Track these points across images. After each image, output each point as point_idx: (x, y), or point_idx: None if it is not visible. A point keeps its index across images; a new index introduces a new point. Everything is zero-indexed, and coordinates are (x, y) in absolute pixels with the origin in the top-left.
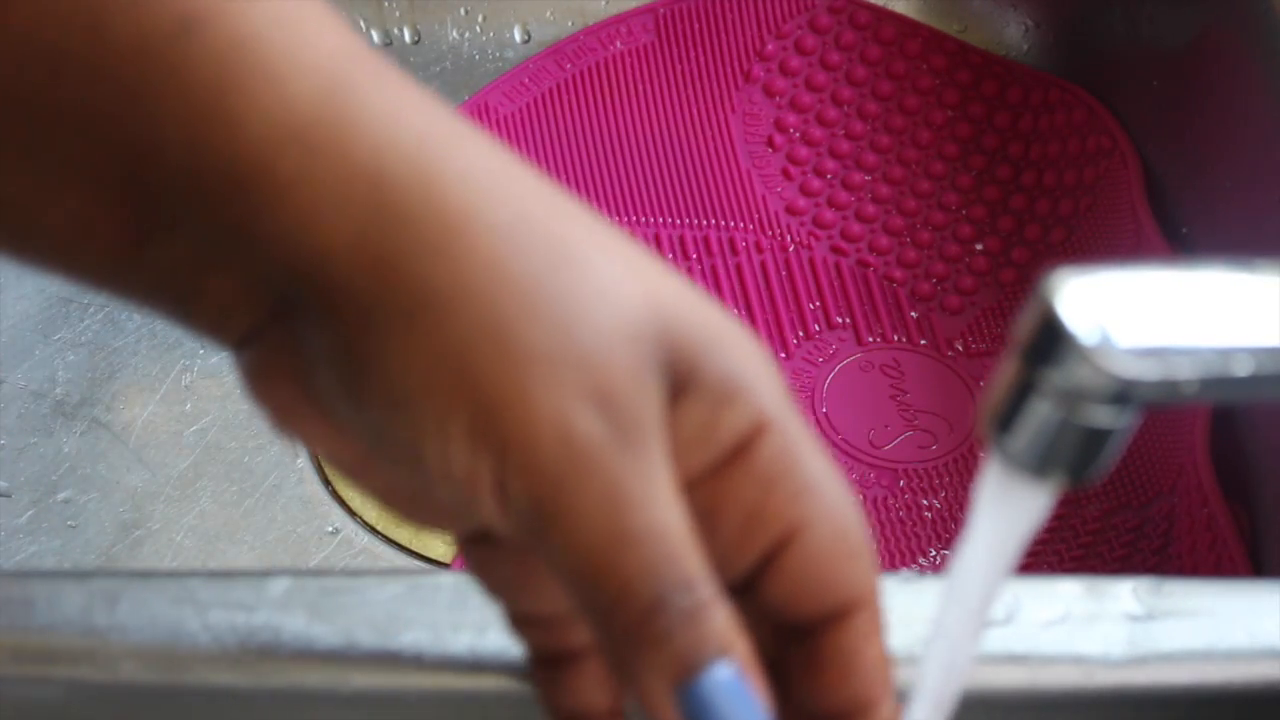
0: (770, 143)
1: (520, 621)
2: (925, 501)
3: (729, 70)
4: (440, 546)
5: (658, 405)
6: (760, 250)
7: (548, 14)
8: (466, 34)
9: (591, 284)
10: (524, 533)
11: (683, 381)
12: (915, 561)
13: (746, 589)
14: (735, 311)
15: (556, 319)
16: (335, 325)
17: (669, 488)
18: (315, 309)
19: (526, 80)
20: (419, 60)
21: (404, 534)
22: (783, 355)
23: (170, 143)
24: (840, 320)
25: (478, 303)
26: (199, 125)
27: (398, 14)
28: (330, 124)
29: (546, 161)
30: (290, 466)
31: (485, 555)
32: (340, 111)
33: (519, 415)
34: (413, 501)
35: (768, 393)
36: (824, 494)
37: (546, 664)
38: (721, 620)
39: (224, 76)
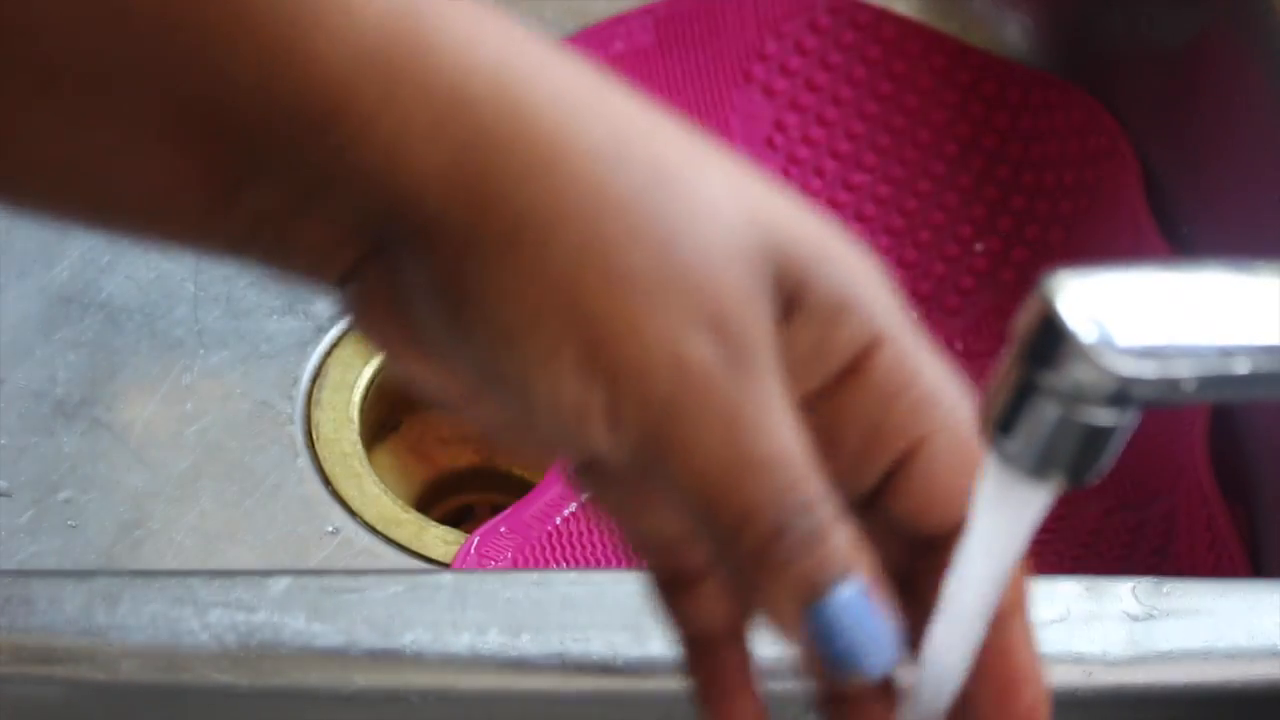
0: (770, 143)
1: (637, 544)
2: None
3: (729, 70)
4: (440, 546)
5: (769, 326)
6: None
7: (548, 14)
8: None
9: (695, 204)
10: (639, 462)
11: (792, 300)
12: None
13: (872, 504)
14: None
15: (661, 241)
16: (434, 258)
17: (786, 410)
18: (412, 242)
19: None
20: None
21: (404, 534)
22: None
23: (245, 86)
24: None
25: (579, 228)
26: (272, 64)
27: None
28: (408, 51)
29: None
30: (290, 466)
31: (597, 482)
32: (417, 36)
33: (629, 344)
34: (521, 432)
35: (880, 306)
36: (943, 404)
37: (666, 585)
38: (844, 541)
39: (294, 11)
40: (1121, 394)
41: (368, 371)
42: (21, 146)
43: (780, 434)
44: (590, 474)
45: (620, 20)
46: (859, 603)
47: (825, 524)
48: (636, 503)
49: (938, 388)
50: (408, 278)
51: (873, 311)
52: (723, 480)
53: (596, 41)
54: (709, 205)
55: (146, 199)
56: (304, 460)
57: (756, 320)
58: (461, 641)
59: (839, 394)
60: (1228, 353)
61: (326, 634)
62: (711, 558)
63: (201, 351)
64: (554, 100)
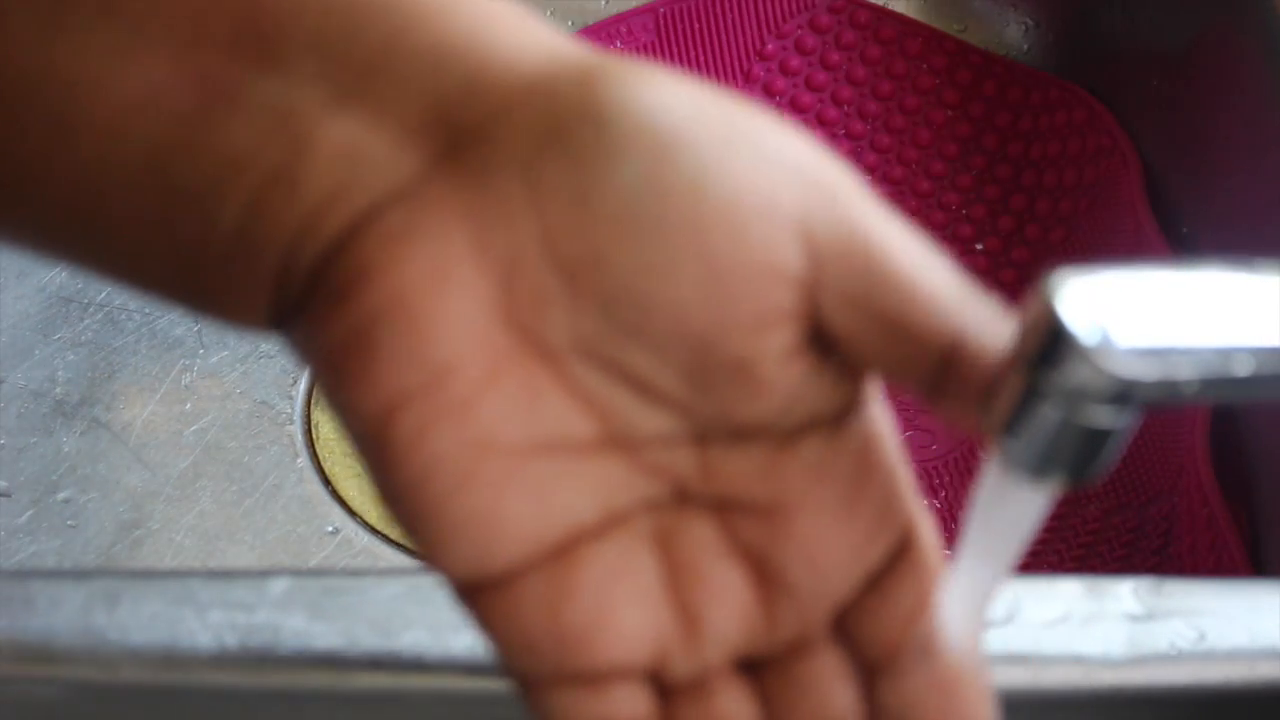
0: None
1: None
2: (925, 501)
3: (729, 70)
4: None
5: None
6: None
7: (547, 14)
8: None
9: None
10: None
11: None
12: None
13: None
14: None
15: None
16: (540, 131)
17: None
18: (508, 114)
19: None
20: None
21: (404, 533)
22: None
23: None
24: None
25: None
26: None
27: None
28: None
29: None
30: (290, 466)
31: None
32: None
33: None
34: None
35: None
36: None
37: None
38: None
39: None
40: (1122, 395)
41: None
42: (44, 196)
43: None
44: None
45: (620, 20)
46: None
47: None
48: None
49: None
50: (505, 160)
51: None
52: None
53: (596, 41)
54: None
55: (128, 99)
56: (304, 460)
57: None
58: (461, 641)
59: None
60: (1228, 353)
61: (326, 634)
62: None
63: (201, 351)
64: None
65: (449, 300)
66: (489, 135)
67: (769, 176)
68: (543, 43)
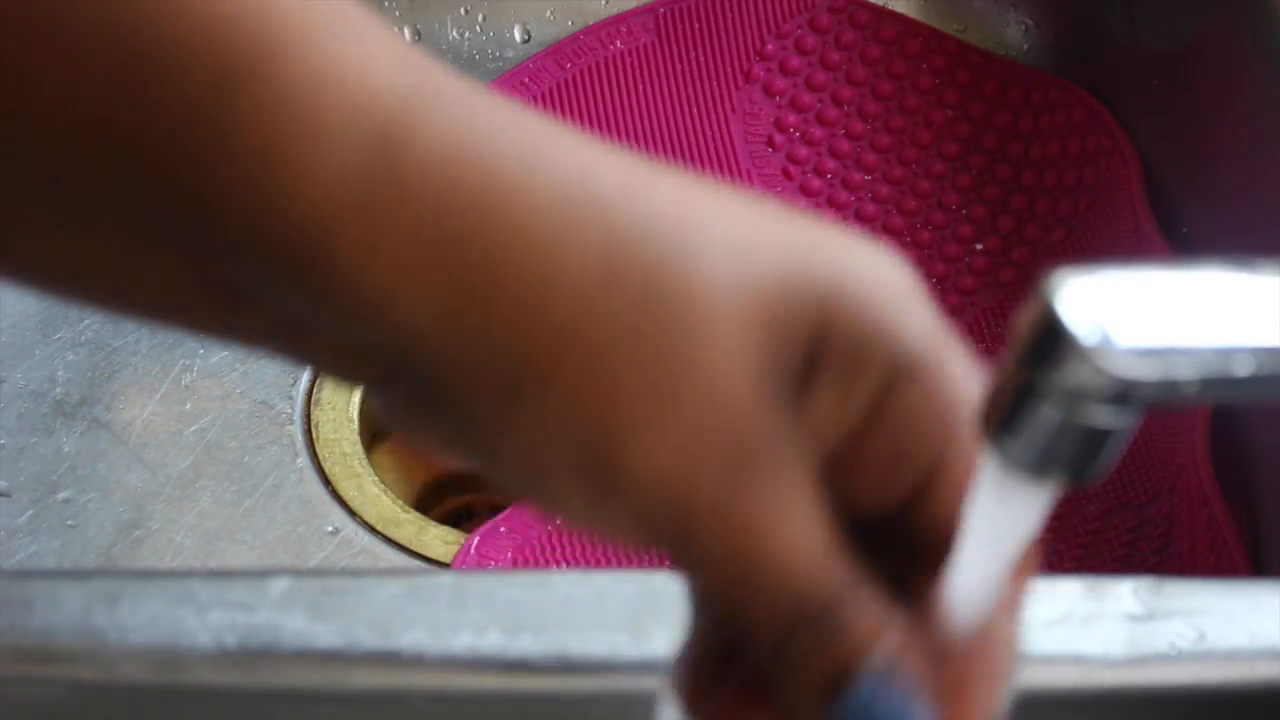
0: (770, 143)
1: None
2: None
3: (729, 70)
4: (440, 546)
5: (779, 415)
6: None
7: (548, 14)
8: (466, 34)
9: (691, 311)
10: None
11: (809, 364)
12: None
13: (897, 519)
14: None
15: (660, 359)
16: (444, 395)
17: (800, 505)
18: (423, 377)
19: (526, 80)
20: None
21: (404, 534)
22: None
23: (232, 212)
24: None
25: (577, 366)
26: (254, 197)
27: (397, 13)
28: (387, 183)
29: None
30: (290, 466)
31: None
32: (397, 166)
33: (639, 467)
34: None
35: (895, 339)
36: (962, 421)
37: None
38: (864, 632)
39: (270, 142)
40: (1122, 395)
41: None
42: (29, 244)
43: (792, 537)
44: None
45: (620, 20)
46: (883, 695)
47: (843, 620)
48: None
49: (956, 407)
50: (426, 402)
51: (889, 348)
52: (734, 592)
53: (596, 41)
54: (707, 307)
55: (154, 299)
56: (304, 460)
57: (764, 415)
58: (461, 641)
59: (862, 430)
60: (1228, 353)
61: (326, 634)
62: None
63: (201, 351)
64: (538, 219)
65: None
66: None
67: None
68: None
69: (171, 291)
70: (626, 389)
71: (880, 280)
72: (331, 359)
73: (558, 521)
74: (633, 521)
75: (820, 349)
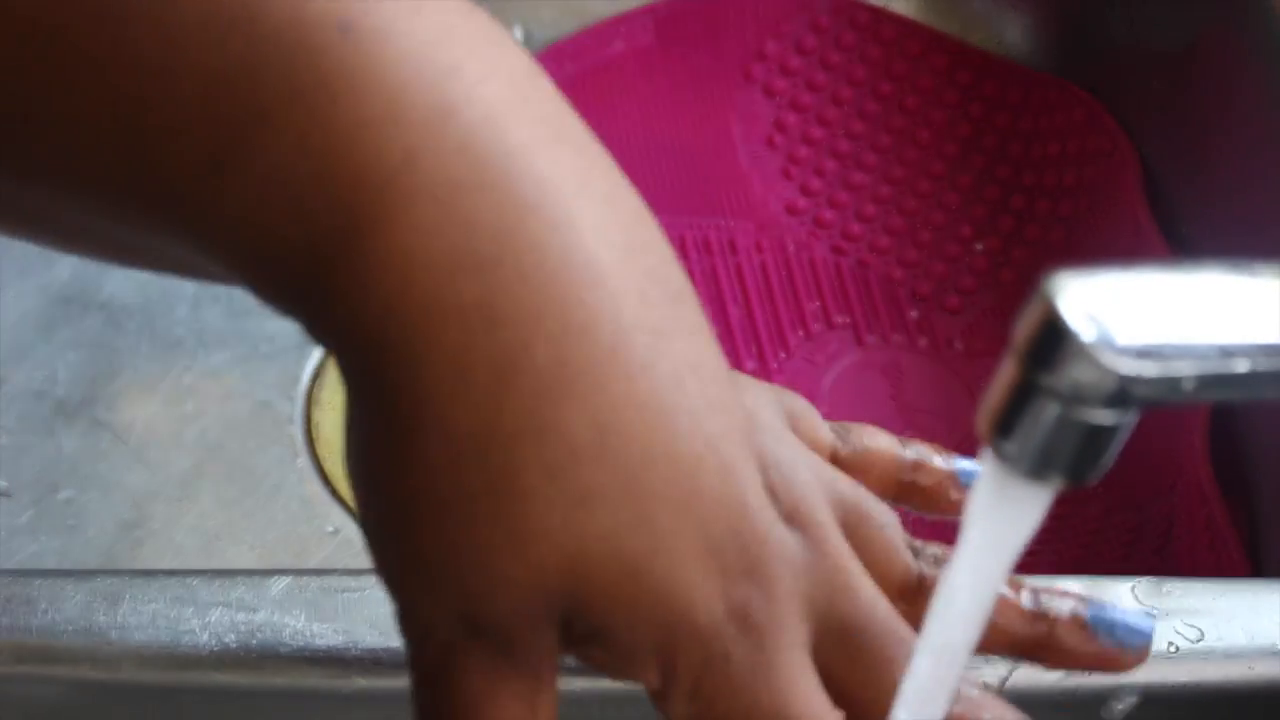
0: (770, 143)
1: None
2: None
3: (729, 70)
4: None
5: (533, 640)
6: (760, 250)
7: (548, 14)
8: None
9: (517, 530)
10: None
11: (594, 627)
12: None
13: None
14: (735, 311)
15: (459, 551)
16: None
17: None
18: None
19: None
20: None
21: None
22: (783, 355)
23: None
24: (840, 320)
25: (393, 519)
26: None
27: None
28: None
29: None
30: (290, 466)
31: None
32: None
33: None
34: None
35: (688, 678)
36: None
37: None
38: None
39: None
40: (1121, 394)
41: None
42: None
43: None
44: None
45: (620, 20)
46: None
47: None
48: None
49: None
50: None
51: (675, 678)
52: None
53: (596, 41)
54: (532, 537)
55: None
56: (304, 460)
57: (518, 638)
58: None
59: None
60: (1227, 352)
61: (326, 634)
62: None
63: (202, 351)
64: (437, 379)
65: None
66: None
67: None
68: None
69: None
70: (428, 548)
71: (681, 619)
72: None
73: None
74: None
75: (611, 625)
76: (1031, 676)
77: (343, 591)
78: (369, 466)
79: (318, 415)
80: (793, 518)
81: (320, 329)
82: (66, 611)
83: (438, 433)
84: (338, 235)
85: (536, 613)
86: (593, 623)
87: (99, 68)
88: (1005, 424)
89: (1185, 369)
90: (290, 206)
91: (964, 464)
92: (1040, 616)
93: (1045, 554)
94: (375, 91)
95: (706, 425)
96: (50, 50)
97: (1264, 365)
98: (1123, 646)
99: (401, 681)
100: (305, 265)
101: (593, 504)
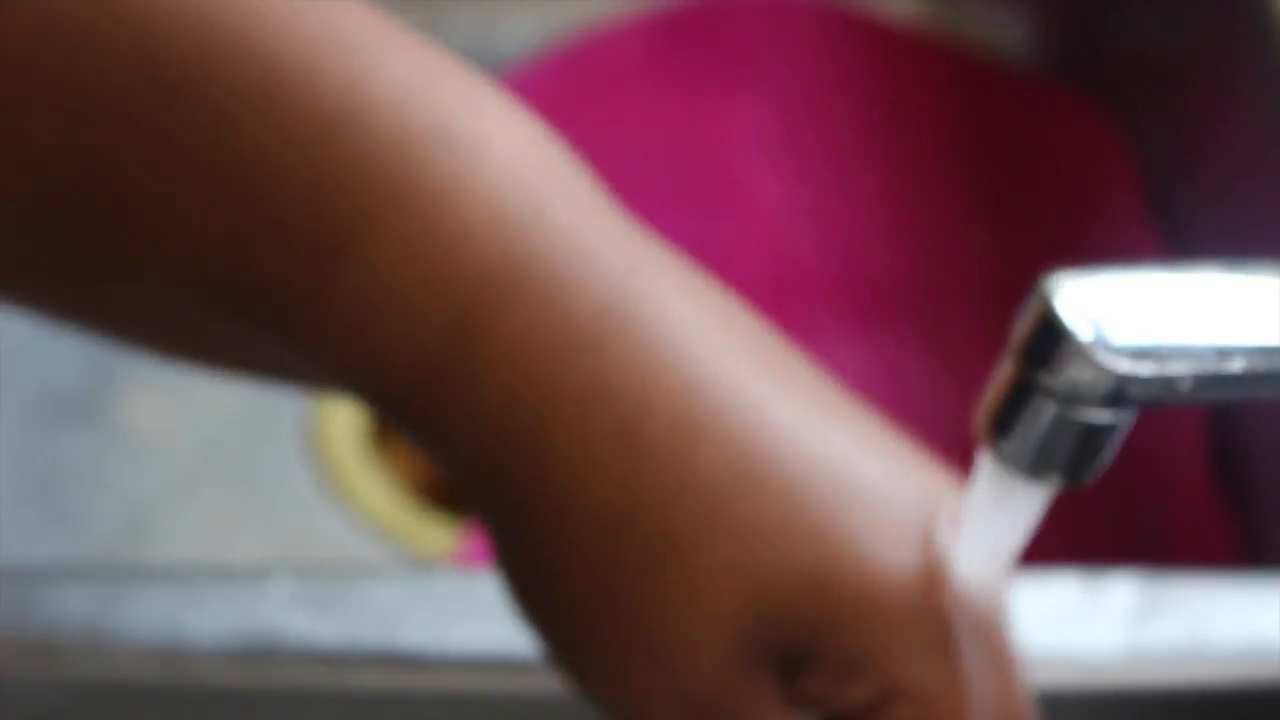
0: (770, 145)
1: None
2: None
3: (729, 71)
4: (442, 545)
5: (742, 680)
6: (758, 253)
7: (547, 15)
8: (463, 37)
9: (688, 586)
10: None
11: (802, 655)
12: None
13: None
14: None
15: (645, 623)
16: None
17: None
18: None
19: (523, 85)
20: None
21: (405, 533)
22: None
23: (323, 356)
24: (839, 322)
25: (571, 601)
26: (343, 349)
27: (396, 15)
28: (459, 365)
29: None
30: (291, 466)
31: None
32: (467, 352)
33: (601, 694)
34: None
35: (902, 661)
36: None
37: None
38: None
39: (360, 310)
40: (1118, 393)
41: None
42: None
43: None
44: None
45: (621, 23)
46: None
47: None
48: None
49: None
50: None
51: (891, 668)
52: None
53: (596, 43)
54: (703, 586)
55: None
56: (305, 460)
57: (729, 681)
58: (461, 641)
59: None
60: (1224, 352)
61: (326, 634)
62: None
63: None
64: (567, 459)
65: None
66: None
67: None
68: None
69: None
70: (605, 636)
71: (882, 617)
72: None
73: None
74: None
75: (812, 651)
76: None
77: (344, 591)
78: (527, 580)
79: (318, 415)
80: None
81: (432, 434)
82: (67, 611)
83: (580, 513)
84: (444, 333)
85: (743, 661)
86: (806, 646)
87: (207, 167)
88: (1003, 424)
89: (1182, 369)
90: (394, 305)
91: None
92: None
93: (1043, 553)
94: (474, 197)
95: (847, 441)
96: (159, 150)
97: (1260, 365)
98: None
99: (403, 681)
100: (411, 363)
101: (757, 537)
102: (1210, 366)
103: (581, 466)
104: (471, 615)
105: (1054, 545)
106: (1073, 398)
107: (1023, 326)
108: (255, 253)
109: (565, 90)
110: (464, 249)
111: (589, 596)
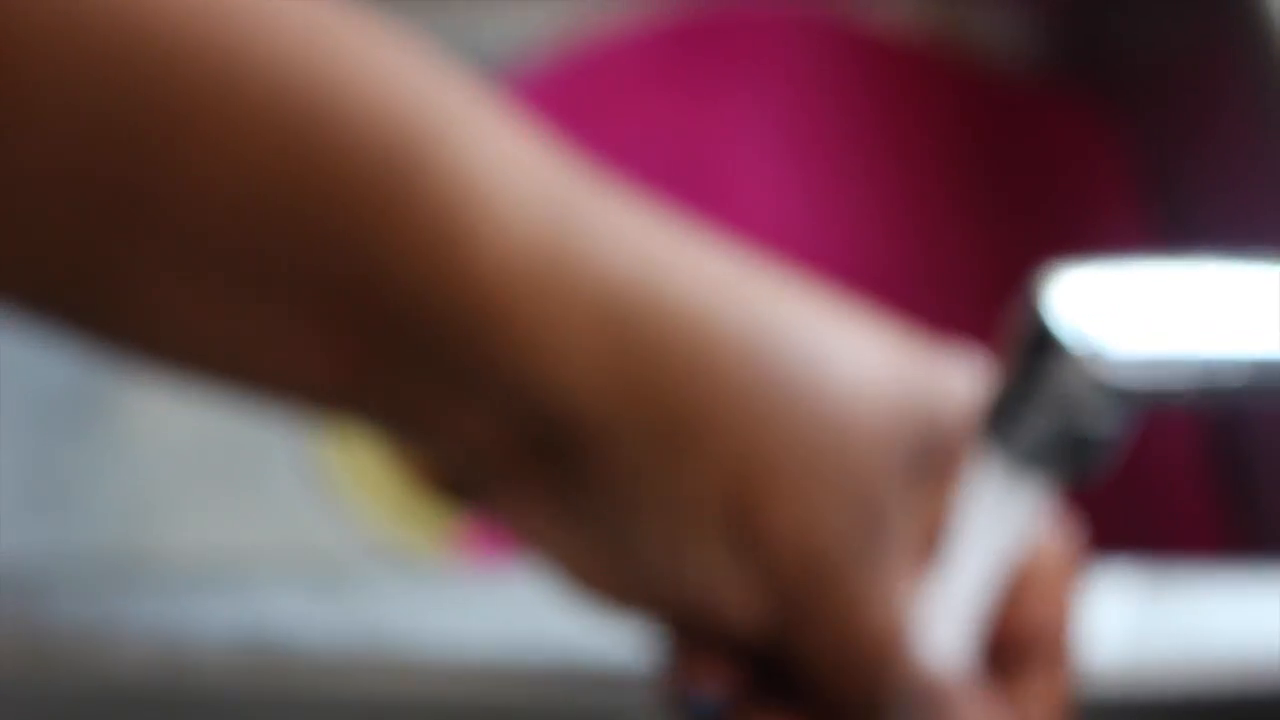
0: (771, 151)
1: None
2: None
3: (730, 78)
4: (443, 545)
5: (906, 501)
6: (760, 253)
7: (548, 14)
8: (465, 35)
9: (841, 387)
10: (771, 632)
11: (934, 464)
12: None
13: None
14: None
15: (811, 430)
16: (591, 462)
17: (911, 587)
18: (571, 446)
19: (526, 84)
20: None
21: (407, 533)
22: None
23: (394, 292)
24: None
25: (733, 431)
26: (423, 274)
27: (396, 15)
28: (557, 263)
29: None
30: (291, 466)
31: (687, 644)
32: (564, 247)
33: (780, 527)
34: (632, 592)
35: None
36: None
37: None
38: (972, 712)
39: (446, 224)
40: (1119, 395)
41: None
42: (160, 315)
43: (899, 615)
44: (684, 635)
45: (621, 28)
46: None
47: (952, 698)
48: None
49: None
50: (561, 474)
51: None
52: (850, 655)
53: (597, 49)
54: (854, 386)
55: (275, 374)
56: (304, 460)
57: (894, 498)
58: (463, 640)
59: None
60: (1223, 353)
61: (326, 634)
62: None
63: None
64: (696, 295)
65: None
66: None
67: None
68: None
69: (304, 366)
70: (777, 453)
71: (966, 409)
72: (465, 442)
73: (602, 582)
74: (754, 582)
75: (945, 462)
76: None
77: (345, 591)
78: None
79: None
80: None
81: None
82: (67, 611)
83: (727, 354)
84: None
85: (893, 466)
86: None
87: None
88: (1001, 424)
89: (1180, 369)
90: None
91: None
92: None
93: None
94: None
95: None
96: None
97: (1258, 365)
98: None
99: (403, 681)
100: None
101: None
102: (1209, 366)
103: (708, 304)
104: (472, 615)
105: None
106: (1071, 400)
107: (1021, 327)
108: (325, 171)
109: (565, 95)
110: (544, 159)
111: (757, 429)
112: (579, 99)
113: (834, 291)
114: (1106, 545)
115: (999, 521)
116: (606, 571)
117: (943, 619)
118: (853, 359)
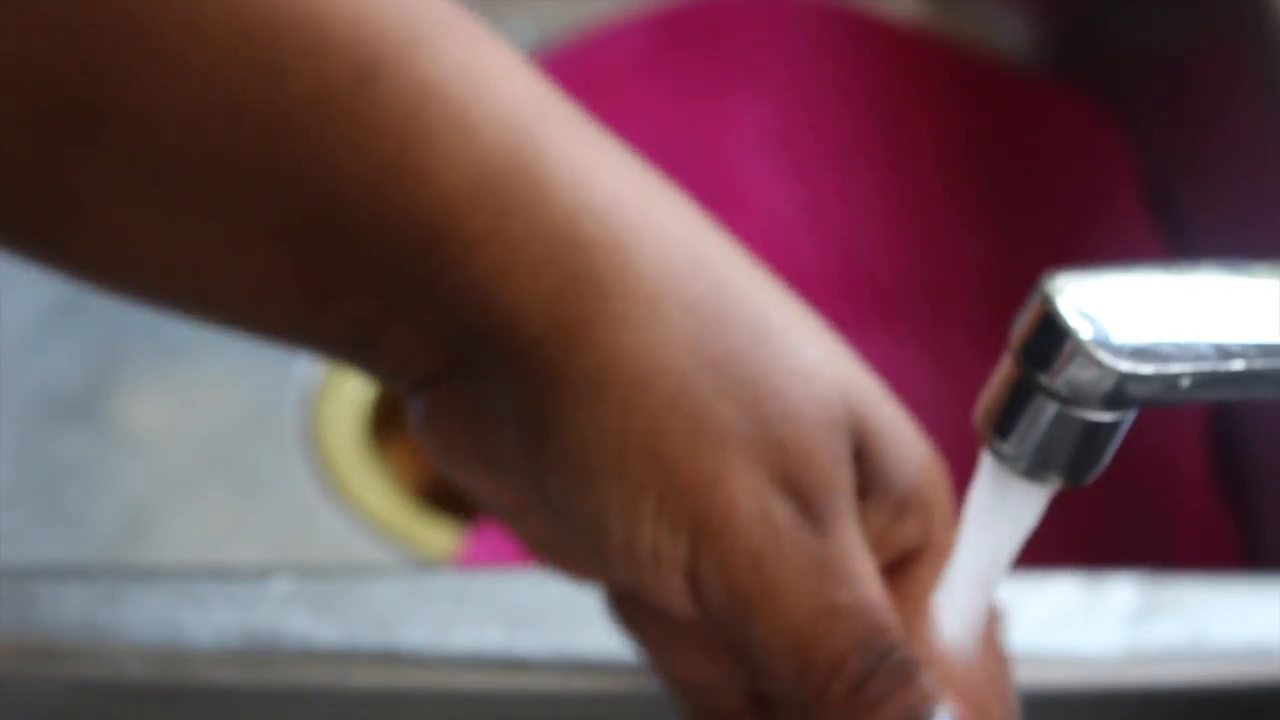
0: (768, 145)
1: (671, 680)
2: None
3: (728, 70)
4: (441, 545)
5: (849, 491)
6: (758, 251)
7: (548, 14)
8: None
9: (789, 364)
10: (716, 612)
11: (868, 481)
12: None
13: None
14: None
15: (752, 400)
16: (520, 386)
17: (865, 559)
18: (499, 366)
19: None
20: None
21: (405, 532)
22: None
23: (355, 196)
24: (838, 322)
25: (671, 380)
26: (385, 179)
27: None
28: (522, 180)
29: None
30: (290, 466)
31: (636, 615)
32: (531, 166)
33: (714, 497)
34: (565, 553)
35: (938, 512)
36: (941, 547)
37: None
38: (929, 676)
39: (409, 128)
40: (1118, 393)
41: None
42: (118, 234)
43: (864, 582)
44: (631, 606)
45: (620, 22)
46: None
47: (912, 662)
48: (677, 642)
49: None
50: (488, 399)
51: (931, 518)
52: (811, 629)
53: (596, 43)
54: (804, 367)
55: (238, 296)
56: (304, 460)
57: (836, 485)
58: (461, 641)
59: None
60: (1224, 352)
61: (326, 634)
62: (785, 702)
63: (203, 351)
64: (659, 247)
65: None
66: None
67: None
68: (537, 299)
69: (263, 289)
70: (714, 415)
71: (927, 458)
72: (399, 352)
73: (543, 538)
74: (689, 559)
75: (877, 478)
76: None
77: (343, 591)
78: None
79: (318, 414)
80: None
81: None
82: (67, 611)
83: (681, 306)
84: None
85: (837, 455)
86: (875, 458)
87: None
88: (1003, 423)
89: (1181, 368)
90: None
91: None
92: None
93: (1041, 552)
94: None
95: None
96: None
97: (1260, 365)
98: None
99: (402, 681)
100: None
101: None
102: (1210, 366)
103: (671, 257)
104: (471, 615)
105: (1054, 545)
106: (1073, 397)
107: (1022, 326)
108: (288, 83)
109: (565, 90)
110: (512, 75)
111: (699, 383)
112: (577, 97)
113: (804, 299)
114: (1112, 556)
115: (1000, 520)
116: (522, 512)
117: (943, 618)
118: (806, 349)
